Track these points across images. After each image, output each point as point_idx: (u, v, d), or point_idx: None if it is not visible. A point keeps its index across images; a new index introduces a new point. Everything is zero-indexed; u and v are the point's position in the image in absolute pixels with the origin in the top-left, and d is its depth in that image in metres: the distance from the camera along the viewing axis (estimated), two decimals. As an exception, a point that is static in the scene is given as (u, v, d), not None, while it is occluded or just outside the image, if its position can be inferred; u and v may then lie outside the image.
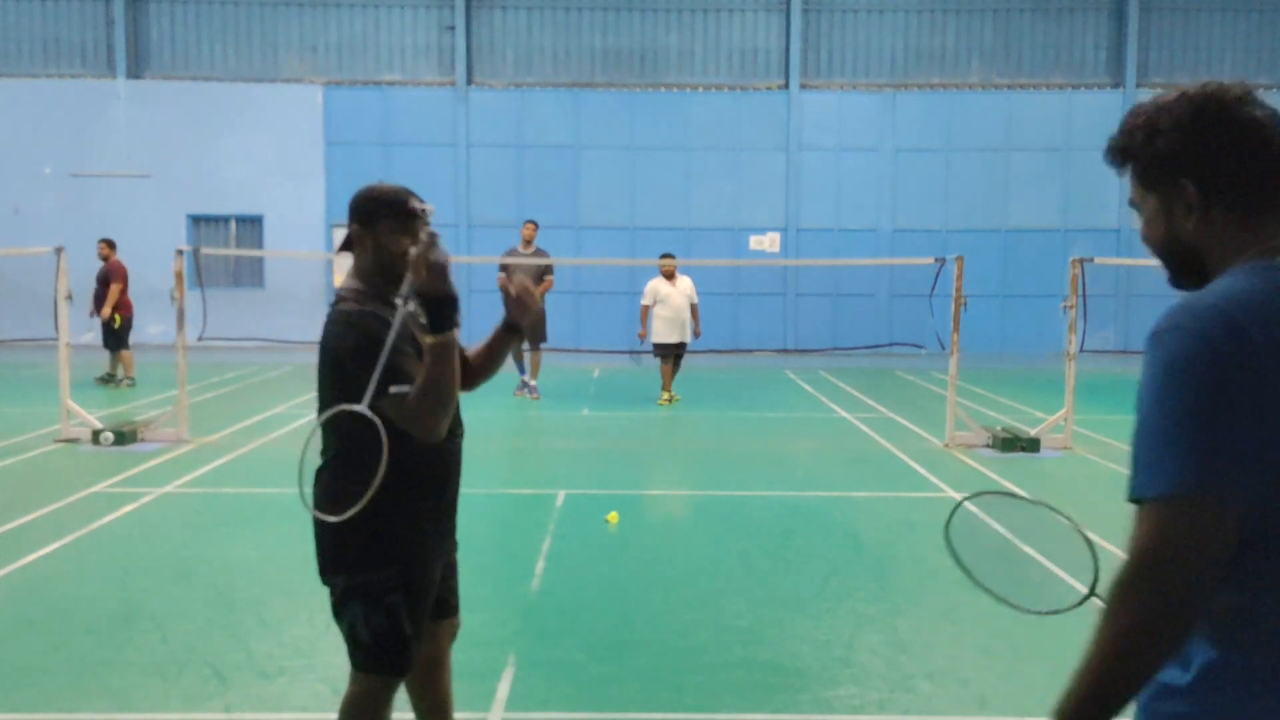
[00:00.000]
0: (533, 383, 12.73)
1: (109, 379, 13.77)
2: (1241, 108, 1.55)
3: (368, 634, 2.81)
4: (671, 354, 12.45)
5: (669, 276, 12.42)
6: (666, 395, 12.48)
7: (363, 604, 2.79)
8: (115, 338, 13.56)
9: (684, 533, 7.12)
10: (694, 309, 12.50)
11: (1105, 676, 1.41)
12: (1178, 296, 1.57)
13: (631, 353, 13.43)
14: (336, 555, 2.81)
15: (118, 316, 13.40)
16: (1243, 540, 1.40)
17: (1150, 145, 1.58)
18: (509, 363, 12.88)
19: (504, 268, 12.23)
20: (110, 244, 13.80)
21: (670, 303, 12.29)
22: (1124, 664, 1.41)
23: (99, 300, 13.46)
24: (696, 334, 12.59)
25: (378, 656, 2.84)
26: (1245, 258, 1.52)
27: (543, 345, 12.80)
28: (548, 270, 12.49)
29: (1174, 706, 1.47)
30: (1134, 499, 1.44)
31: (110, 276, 13.46)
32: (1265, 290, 1.44)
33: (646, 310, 12.49)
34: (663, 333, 12.34)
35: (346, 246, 2.90)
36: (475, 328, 13.09)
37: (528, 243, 12.53)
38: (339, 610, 2.85)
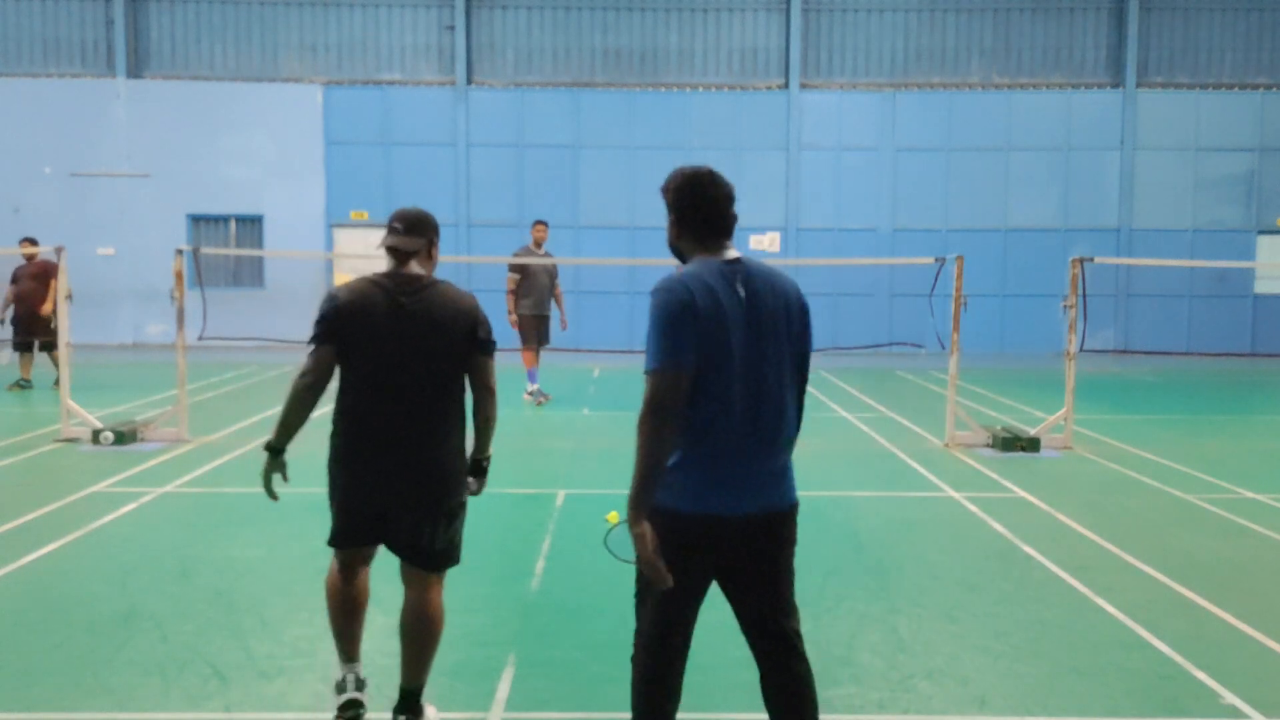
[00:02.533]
0: (535, 385, 12.68)
1: (26, 384, 13.09)
2: (704, 181, 3.03)
3: (459, 534, 3.75)
4: None
5: None
6: None
7: (461, 513, 3.73)
8: (49, 335, 12.43)
9: (684, 532, 7.10)
10: None
11: (645, 464, 2.79)
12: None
13: None
14: (458, 484, 3.70)
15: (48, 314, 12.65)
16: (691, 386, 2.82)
17: (666, 197, 3.07)
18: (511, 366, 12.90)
19: (519, 269, 12.11)
20: (34, 241, 13.05)
21: None
22: (650, 455, 2.79)
23: (35, 298, 12.85)
24: None
25: (459, 546, 3.78)
26: (698, 255, 3.02)
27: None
28: (556, 273, 12.49)
29: (670, 476, 2.89)
30: (645, 372, 2.82)
31: (50, 272, 12.39)
32: (702, 270, 2.92)
33: None
34: None
35: (412, 254, 3.75)
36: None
37: (539, 244, 12.41)
38: (449, 524, 3.66)
